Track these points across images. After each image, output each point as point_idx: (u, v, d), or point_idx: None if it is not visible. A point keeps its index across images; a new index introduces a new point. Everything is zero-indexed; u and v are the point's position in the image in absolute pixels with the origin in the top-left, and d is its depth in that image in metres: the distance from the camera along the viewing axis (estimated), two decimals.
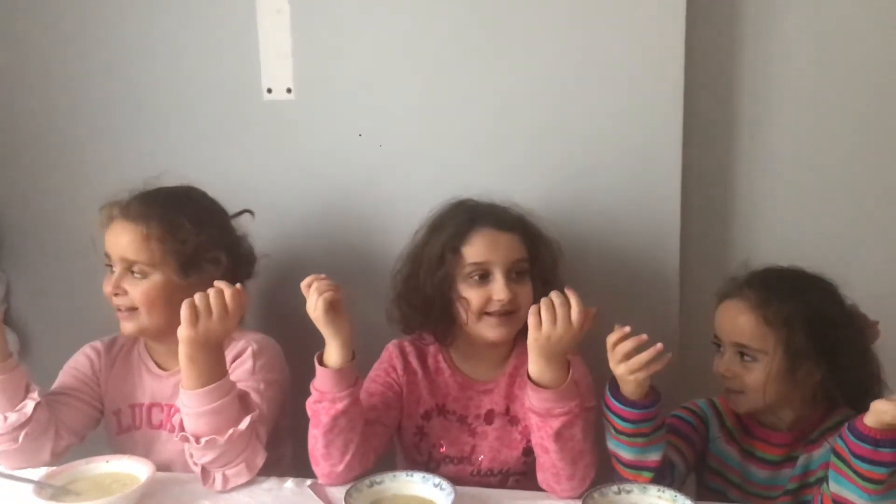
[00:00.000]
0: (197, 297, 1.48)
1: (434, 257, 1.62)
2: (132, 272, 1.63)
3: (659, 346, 1.36)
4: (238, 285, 1.51)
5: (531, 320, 1.42)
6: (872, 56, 1.78)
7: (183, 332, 1.47)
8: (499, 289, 1.57)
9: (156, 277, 1.63)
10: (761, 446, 1.58)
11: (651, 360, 1.36)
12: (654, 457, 1.45)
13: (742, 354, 1.52)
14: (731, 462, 1.59)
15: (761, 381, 1.50)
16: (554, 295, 1.43)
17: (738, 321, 1.52)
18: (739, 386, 1.53)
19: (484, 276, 1.59)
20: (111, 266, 1.65)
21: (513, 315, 1.59)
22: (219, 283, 1.51)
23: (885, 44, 1.78)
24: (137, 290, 1.63)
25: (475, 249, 1.59)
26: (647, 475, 1.45)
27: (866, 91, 1.80)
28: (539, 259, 1.63)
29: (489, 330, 1.60)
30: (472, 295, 1.59)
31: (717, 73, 1.82)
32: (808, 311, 1.49)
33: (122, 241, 1.63)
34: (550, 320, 1.41)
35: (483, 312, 1.59)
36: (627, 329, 1.39)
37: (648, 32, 1.73)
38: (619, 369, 1.38)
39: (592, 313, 1.43)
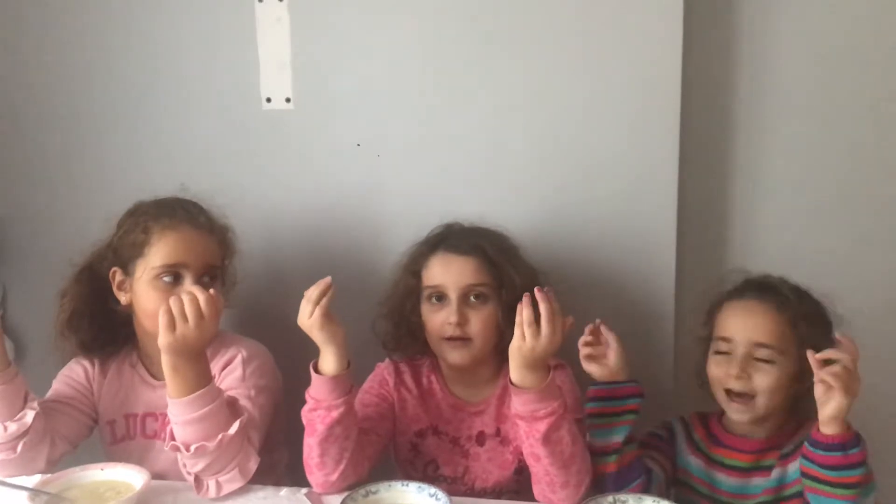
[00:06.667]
0: (172, 303, 1.47)
1: (399, 280, 1.68)
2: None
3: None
4: (212, 290, 1.51)
5: (516, 332, 1.44)
6: (869, 73, 1.79)
7: (162, 339, 1.47)
8: (450, 311, 1.59)
9: None
10: (730, 454, 1.58)
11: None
12: (616, 438, 1.52)
13: (755, 357, 1.50)
14: (696, 472, 1.60)
15: (775, 384, 1.49)
16: (537, 297, 1.43)
17: (762, 320, 1.50)
18: (750, 389, 1.50)
19: (440, 299, 1.62)
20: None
21: (468, 342, 1.61)
22: (192, 289, 1.51)
23: (881, 60, 1.79)
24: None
25: (431, 273, 1.63)
26: (612, 459, 1.51)
27: (862, 107, 1.80)
28: (506, 286, 1.60)
29: (447, 354, 1.63)
30: (429, 318, 1.63)
31: (714, 90, 1.83)
32: (817, 317, 1.51)
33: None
34: (534, 335, 1.42)
35: (441, 337, 1.62)
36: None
37: (645, 45, 1.74)
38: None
39: (570, 322, 1.47)
